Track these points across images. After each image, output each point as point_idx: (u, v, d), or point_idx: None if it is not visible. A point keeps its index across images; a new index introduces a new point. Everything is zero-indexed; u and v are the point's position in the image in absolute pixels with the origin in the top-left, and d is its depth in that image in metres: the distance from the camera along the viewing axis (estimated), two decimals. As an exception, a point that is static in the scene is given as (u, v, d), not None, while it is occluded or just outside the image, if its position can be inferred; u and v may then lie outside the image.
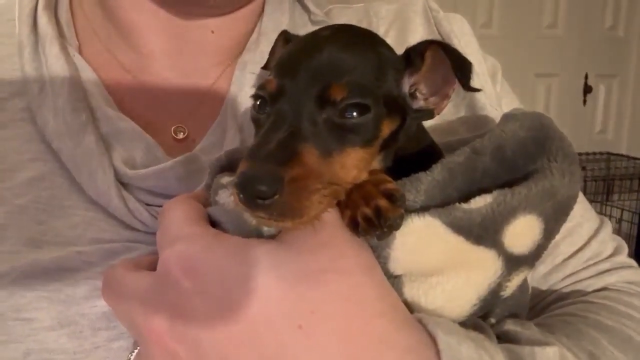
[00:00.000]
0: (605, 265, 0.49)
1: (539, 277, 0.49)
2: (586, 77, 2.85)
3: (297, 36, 0.37)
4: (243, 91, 0.47)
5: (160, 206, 0.41)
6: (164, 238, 0.33)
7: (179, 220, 0.33)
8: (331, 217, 0.30)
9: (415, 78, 0.33)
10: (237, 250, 0.30)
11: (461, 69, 0.31)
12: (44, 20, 0.45)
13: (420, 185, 0.31)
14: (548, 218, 0.32)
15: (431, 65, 0.32)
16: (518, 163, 0.33)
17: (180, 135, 0.46)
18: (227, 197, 0.33)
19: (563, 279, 0.49)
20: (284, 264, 0.29)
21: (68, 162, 0.41)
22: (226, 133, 0.45)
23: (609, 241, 0.51)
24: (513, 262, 0.31)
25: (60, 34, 0.46)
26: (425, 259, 0.31)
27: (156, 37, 0.47)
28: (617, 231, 2.79)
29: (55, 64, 0.44)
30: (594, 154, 2.79)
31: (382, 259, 0.30)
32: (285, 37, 0.38)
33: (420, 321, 0.30)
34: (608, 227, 0.52)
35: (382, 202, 0.28)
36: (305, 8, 0.53)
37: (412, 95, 0.33)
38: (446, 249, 0.30)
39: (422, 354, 0.28)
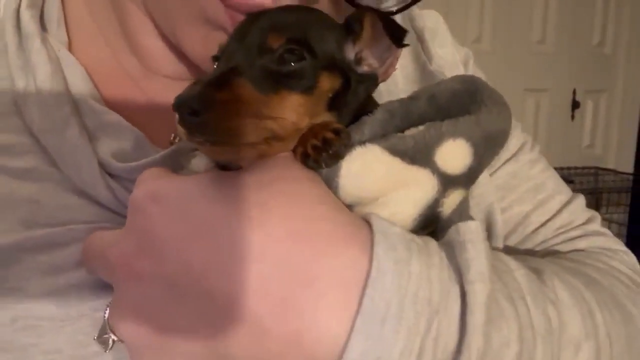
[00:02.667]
0: (577, 232, 0.50)
1: (510, 245, 0.50)
2: (574, 92, 2.89)
3: None
4: None
5: None
6: (134, 185, 0.35)
7: (148, 172, 0.36)
8: (284, 155, 0.33)
9: (359, 45, 0.36)
10: (199, 178, 0.33)
11: (393, 30, 0.33)
12: (26, 17, 0.46)
13: (364, 126, 0.35)
14: (477, 144, 0.35)
15: (371, 33, 0.35)
16: (451, 109, 0.36)
17: (177, 139, 0.47)
18: (197, 163, 0.37)
19: (534, 247, 0.50)
20: (239, 180, 0.32)
21: (55, 155, 0.42)
22: None
23: (581, 211, 0.53)
24: (447, 181, 0.34)
25: (44, 30, 0.46)
26: (369, 182, 0.34)
27: (158, 40, 0.47)
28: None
29: (37, 59, 0.44)
30: (582, 168, 2.82)
31: (333, 189, 0.34)
32: None
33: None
34: (580, 199, 0.54)
35: (329, 134, 0.32)
36: None
37: (358, 62, 0.36)
38: (385, 170, 0.34)
39: (357, 229, 0.31)
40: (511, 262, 0.35)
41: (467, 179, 0.36)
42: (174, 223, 0.31)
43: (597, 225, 0.53)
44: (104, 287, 0.39)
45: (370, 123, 0.35)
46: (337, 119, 0.35)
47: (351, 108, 0.36)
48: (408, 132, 0.34)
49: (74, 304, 0.40)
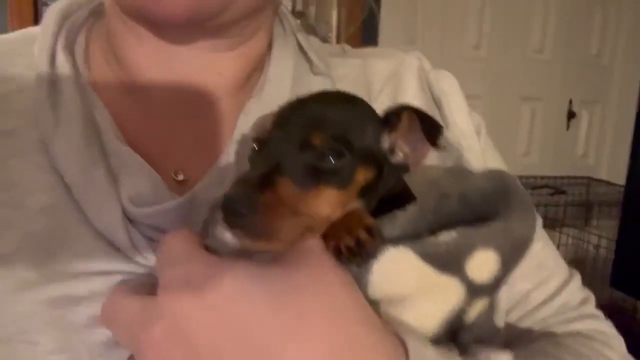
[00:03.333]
0: (573, 314, 0.53)
1: (511, 322, 0.52)
2: (570, 102, 2.90)
3: None
4: (245, 139, 0.48)
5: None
6: (163, 262, 0.35)
7: (178, 246, 0.36)
8: (315, 243, 0.34)
9: (394, 136, 0.38)
10: (232, 267, 0.33)
11: (429, 130, 0.35)
12: (61, 58, 0.47)
13: (396, 221, 0.36)
14: (505, 254, 0.36)
15: (407, 125, 0.37)
16: (480, 208, 0.38)
17: (180, 177, 0.48)
18: (223, 231, 0.37)
19: (532, 325, 0.52)
20: (275, 277, 0.32)
21: (78, 194, 0.43)
22: (225, 176, 0.46)
23: (578, 292, 0.55)
24: (474, 290, 0.36)
25: (76, 72, 0.47)
26: (399, 284, 0.35)
27: (160, 74, 0.48)
28: (596, 257, 2.83)
29: (71, 100, 0.45)
30: (575, 178, 2.84)
31: (362, 285, 0.34)
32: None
33: (392, 330, 0.34)
34: (577, 278, 0.56)
35: (362, 234, 0.33)
36: (307, 59, 0.54)
37: (391, 152, 0.38)
38: (416, 276, 0.35)
39: (393, 354, 0.32)
40: None
41: (493, 287, 0.37)
42: (209, 321, 0.31)
43: (592, 307, 0.55)
44: (115, 345, 0.40)
45: (403, 219, 0.36)
46: (365, 204, 0.37)
47: (380, 194, 0.38)
48: (441, 237, 0.35)
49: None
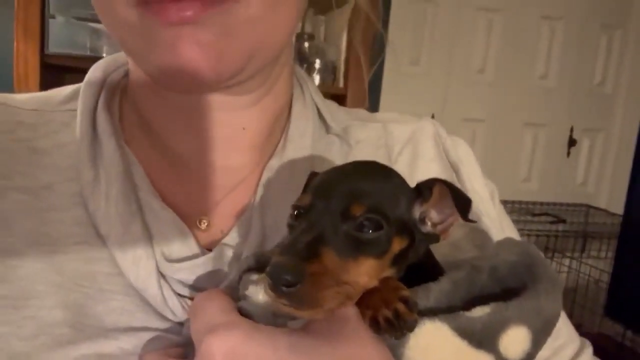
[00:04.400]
0: None
1: None
2: (572, 129, 2.92)
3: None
4: (268, 194, 0.49)
5: (188, 297, 0.45)
6: (201, 326, 0.35)
7: (215, 310, 0.36)
8: (352, 313, 0.35)
9: (425, 207, 0.39)
10: (274, 339, 0.33)
11: (461, 204, 0.37)
12: (102, 116, 0.48)
13: (430, 293, 0.37)
14: (536, 330, 0.37)
15: (438, 197, 0.38)
16: (509, 281, 0.39)
17: (204, 226, 0.49)
18: (256, 292, 0.38)
19: None
20: (315, 351, 0.33)
21: (114, 247, 0.44)
22: (250, 231, 0.47)
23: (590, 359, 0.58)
24: None
25: (115, 130, 0.49)
26: (434, 358, 0.35)
27: (184, 136, 0.49)
28: (593, 285, 2.84)
29: (111, 158, 0.46)
30: (574, 205, 2.85)
31: (397, 357, 0.35)
32: (312, 174, 0.43)
33: None
34: (589, 349, 0.58)
35: (400, 307, 0.33)
36: (324, 121, 0.56)
37: (422, 221, 0.39)
38: (452, 351, 0.35)
39: None
40: None
41: None
42: None
43: None
44: None
45: (436, 292, 0.37)
46: (396, 271, 0.38)
47: (410, 262, 0.39)
48: (475, 312, 0.36)
49: None
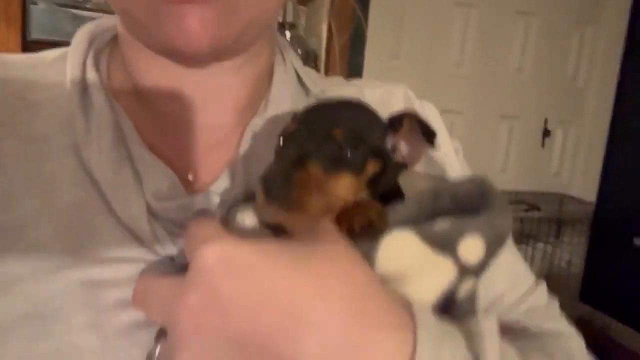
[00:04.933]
0: (541, 316, 0.59)
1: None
2: (546, 121, 3.00)
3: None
4: (252, 148, 0.54)
5: (180, 236, 0.49)
6: (194, 244, 0.38)
7: (207, 229, 0.39)
8: (330, 226, 0.39)
9: (396, 138, 0.43)
10: (263, 245, 0.36)
11: (427, 132, 0.42)
12: (91, 72, 0.52)
13: (398, 210, 0.41)
14: (489, 242, 0.42)
15: (407, 129, 0.43)
16: (467, 205, 0.44)
17: (191, 178, 0.53)
18: (243, 218, 0.42)
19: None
20: (296, 252, 0.36)
21: (106, 189, 0.48)
22: (235, 181, 0.52)
23: (544, 296, 0.62)
24: (464, 270, 0.41)
25: (102, 82, 0.52)
26: (402, 262, 0.40)
27: (171, 95, 0.53)
28: (567, 272, 2.92)
29: (101, 109, 0.50)
30: (548, 194, 2.93)
31: (369, 262, 0.39)
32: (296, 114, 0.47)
33: (398, 296, 0.39)
34: (543, 283, 0.63)
35: (373, 215, 0.39)
36: (304, 86, 0.61)
37: (393, 151, 0.44)
38: (418, 255, 0.40)
39: (403, 313, 0.36)
40: (515, 357, 0.42)
41: (478, 270, 0.42)
42: (240, 288, 0.34)
43: (556, 309, 0.61)
44: (138, 326, 0.45)
45: (404, 210, 0.41)
46: (371, 196, 0.42)
47: (381, 188, 0.43)
48: (437, 225, 0.41)
49: (112, 339, 0.44)
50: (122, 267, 0.46)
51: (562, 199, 2.94)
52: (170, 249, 0.48)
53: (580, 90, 3.07)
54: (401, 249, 0.40)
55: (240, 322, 0.34)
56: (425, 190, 0.44)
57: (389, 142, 0.44)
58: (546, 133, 3.01)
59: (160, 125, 0.54)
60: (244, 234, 0.41)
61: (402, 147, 0.44)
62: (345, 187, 0.40)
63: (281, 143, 0.43)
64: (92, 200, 0.48)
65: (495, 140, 2.93)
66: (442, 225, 0.41)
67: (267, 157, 0.52)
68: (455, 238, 0.40)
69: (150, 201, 0.48)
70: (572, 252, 2.92)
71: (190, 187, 0.52)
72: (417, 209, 0.42)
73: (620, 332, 2.74)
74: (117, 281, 0.45)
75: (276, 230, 0.40)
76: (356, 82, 0.68)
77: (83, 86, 0.52)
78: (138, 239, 0.48)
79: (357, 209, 0.40)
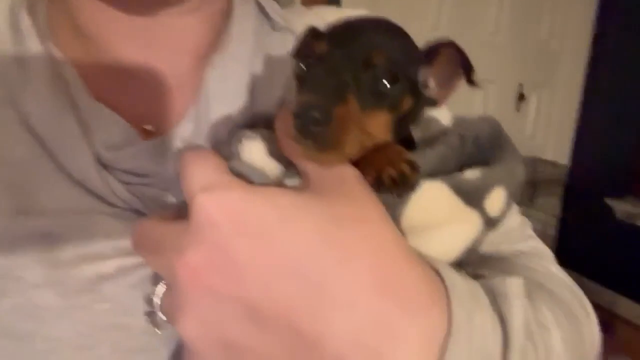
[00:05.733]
0: (517, 236, 0.56)
1: None
2: (520, 85, 3.02)
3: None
4: (213, 88, 0.49)
5: (139, 184, 0.45)
6: (193, 185, 0.34)
7: (207, 169, 0.34)
8: (351, 172, 0.35)
9: (428, 70, 0.38)
10: (274, 197, 0.32)
11: (467, 66, 0.37)
12: (23, 15, 0.47)
13: (428, 157, 0.38)
14: (509, 191, 0.40)
15: (443, 61, 0.38)
16: (488, 150, 0.42)
17: (149, 127, 0.48)
18: (250, 150, 0.38)
19: (485, 247, 0.56)
20: (318, 210, 0.32)
21: (51, 143, 0.44)
22: (197, 124, 0.48)
23: (517, 216, 0.59)
24: (488, 222, 0.39)
25: (39, 29, 0.47)
26: (432, 214, 0.37)
27: (125, 40, 0.48)
28: (541, 233, 2.98)
29: (36, 56, 0.45)
30: (523, 157, 2.97)
31: (396, 216, 0.36)
32: (314, 30, 0.41)
33: (426, 260, 0.36)
34: (515, 206, 0.59)
35: (405, 167, 0.35)
36: (267, 17, 0.57)
37: (424, 85, 0.39)
38: (447, 207, 0.37)
39: (434, 284, 0.33)
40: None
41: (499, 219, 0.40)
42: (254, 250, 0.31)
43: (529, 229, 0.59)
44: (103, 279, 0.42)
45: (434, 156, 0.39)
46: (395, 135, 0.38)
47: (403, 129, 0.39)
48: (467, 175, 0.38)
49: (72, 295, 0.41)
50: (74, 218, 0.43)
51: (536, 162, 2.98)
52: (129, 200, 0.45)
53: (554, 54, 3.08)
54: (432, 202, 0.37)
55: (255, 288, 0.30)
56: (452, 133, 0.41)
57: (422, 75, 0.38)
58: (521, 97, 3.03)
59: (113, 73, 0.49)
60: (250, 175, 0.37)
61: (432, 81, 0.39)
62: (381, 126, 0.36)
63: (305, 66, 0.38)
64: (38, 155, 0.44)
65: (471, 105, 2.94)
66: (471, 175, 0.38)
67: (229, 99, 0.49)
68: (484, 191, 0.38)
69: (100, 150, 0.44)
70: (546, 214, 2.97)
71: (149, 137, 0.48)
72: (446, 155, 0.39)
73: (594, 291, 2.82)
74: (72, 234, 0.42)
75: (288, 166, 0.37)
76: (317, 9, 0.64)
77: (15, 33, 0.47)
78: (92, 192, 0.44)
79: (385, 155, 0.36)
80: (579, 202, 2.98)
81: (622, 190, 2.77)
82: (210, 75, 0.50)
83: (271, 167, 0.38)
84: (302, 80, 0.38)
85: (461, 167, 0.39)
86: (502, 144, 0.41)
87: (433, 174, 0.37)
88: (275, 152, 0.38)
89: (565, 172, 3.02)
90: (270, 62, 0.54)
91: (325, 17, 0.59)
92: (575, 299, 0.46)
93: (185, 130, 0.48)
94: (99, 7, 0.46)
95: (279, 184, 0.37)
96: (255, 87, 0.52)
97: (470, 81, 0.37)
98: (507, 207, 0.40)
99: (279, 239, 0.31)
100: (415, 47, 0.39)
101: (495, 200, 0.39)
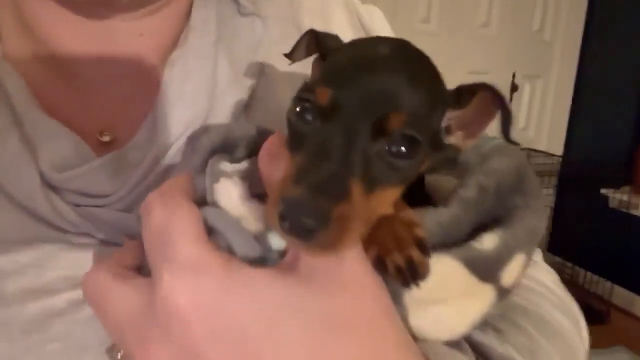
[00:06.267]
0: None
1: None
2: (513, 76, 3.01)
3: (333, 36, 0.35)
4: (173, 88, 0.45)
5: (92, 206, 0.41)
6: (159, 249, 0.30)
7: (177, 231, 0.30)
8: (353, 251, 0.29)
9: (453, 114, 0.31)
10: (255, 288, 0.27)
11: (507, 120, 0.30)
12: None
13: (441, 219, 0.32)
14: (529, 253, 0.35)
15: (476, 106, 0.31)
16: (505, 198, 0.35)
17: (106, 138, 0.44)
18: (229, 195, 0.32)
19: None
20: (307, 308, 0.27)
21: None
22: (157, 130, 0.44)
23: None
24: (503, 294, 0.34)
25: None
26: (442, 292, 0.32)
27: (79, 45, 0.45)
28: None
29: None
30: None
31: (399, 297, 0.31)
32: (316, 35, 0.34)
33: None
34: None
35: (415, 253, 0.28)
36: (234, 1, 0.51)
37: (448, 131, 0.31)
38: (458, 285, 0.32)
39: None
40: None
41: (514, 286, 0.35)
42: (222, 354, 0.27)
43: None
44: (53, 316, 0.37)
45: (448, 217, 0.32)
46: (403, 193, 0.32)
47: (417, 183, 0.33)
48: (485, 243, 0.33)
49: (18, 338, 0.37)
50: (22, 251, 0.38)
51: (529, 153, 2.98)
52: (79, 223, 0.40)
53: (546, 44, 3.07)
54: (441, 279, 0.31)
55: None
56: (470, 182, 0.34)
57: (446, 119, 0.31)
58: (514, 88, 3.02)
59: (63, 81, 0.45)
60: (227, 231, 0.31)
61: (457, 126, 0.32)
62: (388, 204, 0.30)
63: (299, 114, 0.30)
64: None
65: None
66: (489, 244, 0.33)
67: (192, 98, 0.44)
68: (502, 262, 0.33)
69: (47, 172, 0.40)
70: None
71: (106, 149, 0.43)
72: (462, 215, 0.33)
73: (589, 280, 2.83)
74: (19, 268, 0.38)
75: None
76: None
77: None
78: (39, 218, 0.40)
79: (391, 231, 0.29)
80: (573, 193, 2.98)
81: (617, 181, 2.77)
82: (168, 75, 0.45)
83: (250, 220, 0.31)
84: (295, 136, 0.30)
85: (476, 228, 0.33)
86: (526, 189, 0.35)
87: (444, 243, 0.32)
88: (258, 192, 0.32)
89: (558, 162, 3.02)
90: (234, 57, 0.49)
91: (300, 2, 0.55)
92: (571, 322, 0.45)
93: (140, 140, 0.43)
94: (49, 4, 0.43)
95: (263, 245, 0.31)
96: (217, 86, 0.47)
97: (508, 137, 0.30)
98: (523, 272, 0.35)
99: (262, 351, 0.26)
100: (442, 85, 0.32)
101: (514, 270, 0.34)
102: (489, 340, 0.38)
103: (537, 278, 0.48)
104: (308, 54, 0.35)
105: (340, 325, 0.27)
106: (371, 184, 0.27)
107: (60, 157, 0.40)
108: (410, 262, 0.28)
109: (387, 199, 0.29)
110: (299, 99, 0.29)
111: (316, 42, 0.34)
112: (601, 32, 2.91)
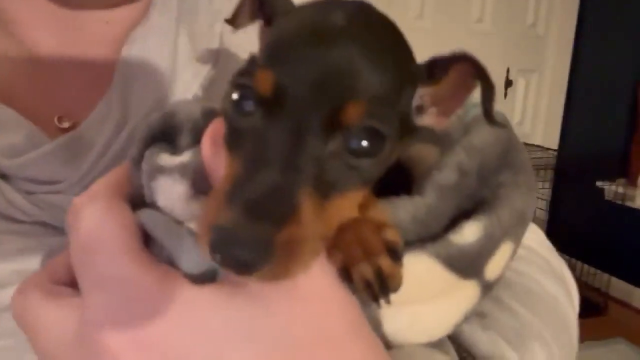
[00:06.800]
0: None
1: None
2: (508, 71, 3.01)
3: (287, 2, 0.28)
4: (131, 66, 0.44)
5: (46, 193, 0.39)
6: (88, 268, 0.26)
7: (106, 243, 0.26)
8: (318, 267, 0.25)
9: (426, 90, 0.27)
10: (197, 311, 0.24)
11: (488, 95, 0.25)
12: None
13: (416, 211, 0.28)
14: (517, 240, 0.31)
15: (451, 80, 0.27)
16: (489, 176, 0.31)
17: (65, 124, 0.42)
18: (169, 192, 0.28)
19: None
20: (259, 332, 0.23)
21: None
22: (110, 112, 0.42)
23: None
24: (487, 288, 0.31)
25: None
26: (420, 293, 0.29)
27: (42, 30, 0.45)
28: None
29: None
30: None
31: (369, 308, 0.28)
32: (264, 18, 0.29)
33: None
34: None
35: (385, 262, 0.24)
36: None
37: (419, 110, 0.27)
38: (437, 284, 0.29)
39: None
40: None
41: (500, 278, 0.32)
42: None
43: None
44: (3, 311, 0.34)
45: (423, 209, 0.28)
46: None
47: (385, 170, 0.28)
48: (466, 236, 0.29)
49: None
50: None
51: (525, 147, 2.98)
52: (33, 212, 0.38)
53: (540, 39, 3.07)
54: (417, 280, 0.27)
55: None
56: (449, 163, 0.30)
57: (418, 98, 0.27)
58: (508, 83, 3.02)
59: (28, 64, 0.44)
60: (166, 239, 0.27)
61: (431, 104, 0.28)
62: (350, 209, 0.25)
63: (236, 104, 0.24)
64: None
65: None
66: (470, 236, 0.29)
67: (152, 79, 0.43)
68: (486, 255, 0.29)
69: None
70: (536, 198, 2.98)
71: (63, 134, 0.42)
72: (439, 204, 0.29)
73: (586, 273, 2.84)
74: None
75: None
76: None
77: None
78: None
79: (357, 235, 0.25)
80: (569, 186, 2.99)
81: (612, 173, 2.78)
82: (127, 52, 0.43)
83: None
84: (233, 133, 0.25)
85: (457, 215, 0.30)
86: (513, 162, 0.31)
87: (420, 237, 0.28)
88: (206, 187, 0.27)
89: (554, 156, 3.03)
90: (194, 32, 0.47)
91: None
92: (558, 285, 0.43)
93: (95, 119, 0.41)
94: None
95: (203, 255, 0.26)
96: (177, 62, 0.45)
97: (490, 114, 0.25)
98: (509, 260, 0.32)
99: None
100: (410, 58, 0.27)
101: (500, 261, 0.30)
102: (472, 330, 0.35)
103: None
104: (253, 19, 0.30)
105: (299, 347, 0.24)
106: (327, 192, 0.23)
107: (9, 145, 0.38)
108: (379, 274, 0.24)
109: (348, 205, 0.25)
110: (236, 85, 0.24)
111: (260, 5, 0.29)
112: (595, 25, 2.91)
